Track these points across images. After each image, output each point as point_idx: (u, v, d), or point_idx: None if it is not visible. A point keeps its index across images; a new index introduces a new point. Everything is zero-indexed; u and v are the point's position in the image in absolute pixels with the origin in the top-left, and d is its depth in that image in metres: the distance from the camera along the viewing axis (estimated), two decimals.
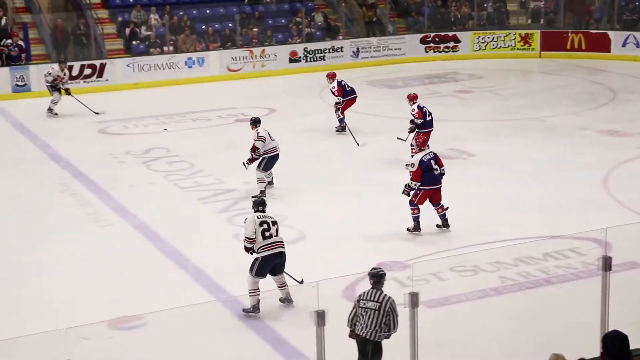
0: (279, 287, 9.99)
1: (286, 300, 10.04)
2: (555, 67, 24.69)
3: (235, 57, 23.90)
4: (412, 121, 15.09)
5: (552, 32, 26.59)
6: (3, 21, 22.84)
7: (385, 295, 7.98)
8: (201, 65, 23.45)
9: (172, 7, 24.71)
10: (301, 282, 10.28)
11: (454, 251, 11.48)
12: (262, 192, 13.44)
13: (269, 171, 13.89)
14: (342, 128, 17.36)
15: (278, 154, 13.76)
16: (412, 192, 12.20)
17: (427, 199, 12.29)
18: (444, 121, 18.71)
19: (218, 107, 20.16)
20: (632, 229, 11.24)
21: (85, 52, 23.04)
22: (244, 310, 9.78)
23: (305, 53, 24.75)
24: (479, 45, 26.46)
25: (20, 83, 21.62)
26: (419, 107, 15.10)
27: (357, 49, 25.38)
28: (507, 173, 15.03)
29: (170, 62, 23.23)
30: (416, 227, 12.25)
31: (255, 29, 24.79)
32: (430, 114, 15.14)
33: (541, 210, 13.13)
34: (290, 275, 10.16)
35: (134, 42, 23.80)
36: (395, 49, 25.83)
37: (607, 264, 7.69)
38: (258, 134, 13.59)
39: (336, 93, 17.27)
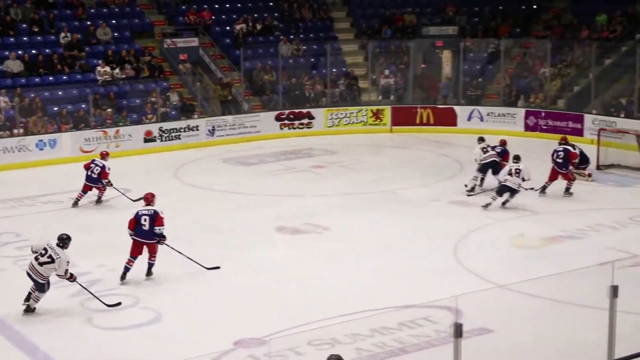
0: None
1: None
2: (406, 141, 25.49)
3: (89, 138, 23.56)
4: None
5: (401, 107, 27.52)
6: None
7: None
8: (53, 147, 22.98)
9: (22, 89, 24.24)
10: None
11: (311, 325, 11.50)
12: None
13: None
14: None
15: None
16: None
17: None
18: (299, 196, 19.02)
19: (71, 189, 19.66)
20: (481, 295, 11.63)
21: None
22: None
23: (161, 132, 24.67)
24: (333, 122, 27.07)
25: None
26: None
27: (213, 127, 25.49)
28: (362, 245, 15.29)
29: (20, 145, 22.68)
30: (122, 276, 13.43)
31: (109, 110, 24.58)
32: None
33: (395, 281, 13.40)
34: None
35: None
36: (251, 127, 26.09)
37: (458, 331, 7.86)
38: None
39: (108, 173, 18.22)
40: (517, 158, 17.82)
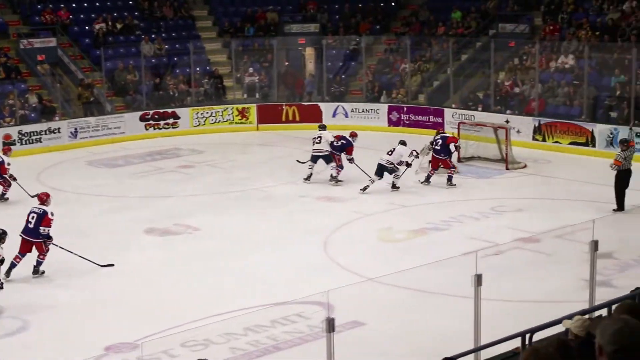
0: None
1: None
2: (273, 138, 25.61)
3: None
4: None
5: (267, 105, 27.64)
6: None
7: None
8: None
9: None
10: None
11: (184, 326, 11.45)
12: None
13: None
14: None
15: None
16: None
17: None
18: (167, 197, 18.85)
19: None
20: (351, 289, 11.83)
21: None
22: None
23: (20, 136, 23.94)
24: (199, 121, 26.91)
25: None
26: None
27: (75, 129, 24.90)
28: (233, 244, 15.29)
29: None
30: (7, 272, 13.23)
31: None
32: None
33: (267, 278, 13.48)
34: None
35: None
36: (115, 128, 25.62)
37: (330, 326, 8.01)
38: None
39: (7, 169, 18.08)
40: (402, 142, 18.98)
